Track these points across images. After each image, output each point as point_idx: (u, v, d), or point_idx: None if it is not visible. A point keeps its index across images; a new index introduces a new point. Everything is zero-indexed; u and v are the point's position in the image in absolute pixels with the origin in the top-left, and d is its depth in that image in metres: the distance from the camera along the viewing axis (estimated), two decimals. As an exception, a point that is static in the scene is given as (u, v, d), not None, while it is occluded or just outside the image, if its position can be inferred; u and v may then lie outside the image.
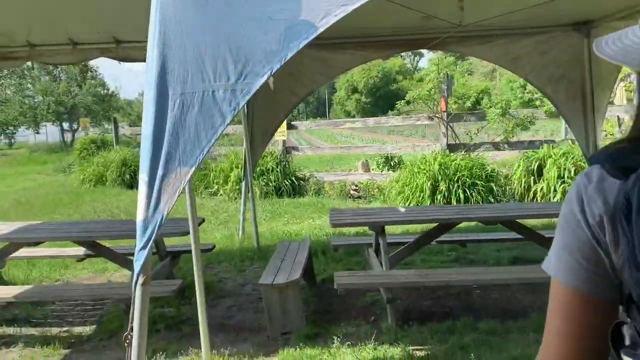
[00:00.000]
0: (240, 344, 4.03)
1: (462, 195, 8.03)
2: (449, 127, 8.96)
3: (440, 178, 8.16)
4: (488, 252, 6.14)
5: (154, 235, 2.72)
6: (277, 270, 4.40)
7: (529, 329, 3.87)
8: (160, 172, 2.73)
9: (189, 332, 4.24)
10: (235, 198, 9.92)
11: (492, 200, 8.17)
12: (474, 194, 8.05)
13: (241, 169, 9.95)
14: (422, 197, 8.17)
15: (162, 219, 2.71)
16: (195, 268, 3.52)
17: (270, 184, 9.87)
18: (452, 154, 8.73)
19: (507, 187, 8.37)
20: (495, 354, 3.45)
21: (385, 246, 4.41)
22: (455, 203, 8.07)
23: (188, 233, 4.41)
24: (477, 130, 8.84)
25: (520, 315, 4.21)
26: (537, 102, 8.91)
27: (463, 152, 8.71)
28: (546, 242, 4.91)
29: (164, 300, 4.72)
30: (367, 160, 14.71)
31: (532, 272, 4.03)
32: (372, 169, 14.98)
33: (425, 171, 8.32)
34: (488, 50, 6.82)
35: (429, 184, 8.13)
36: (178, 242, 5.52)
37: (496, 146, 8.97)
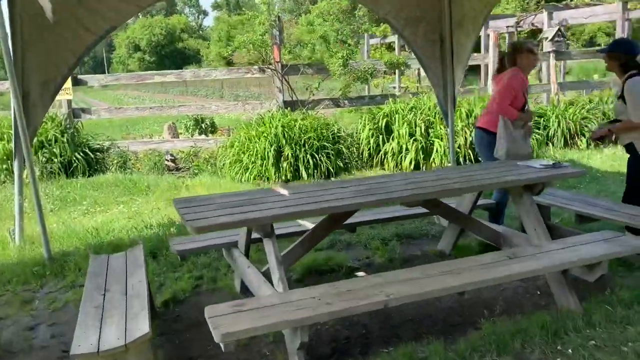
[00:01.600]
0: None
1: (311, 161, 6.78)
2: (284, 80, 7.57)
3: (285, 142, 6.78)
4: (363, 230, 5.01)
5: None
6: (100, 319, 2.56)
7: (489, 351, 2.78)
8: None
9: None
10: (4, 182, 7.20)
11: (341, 164, 7.10)
12: (322, 158, 6.87)
13: (9, 141, 7.21)
14: (265, 166, 6.71)
15: None
16: None
17: (55, 160, 7.34)
18: (288, 111, 7.39)
19: (355, 149, 7.38)
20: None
21: (277, 254, 2.88)
22: (303, 170, 6.79)
23: None
24: (319, 83, 7.62)
25: (463, 326, 3.13)
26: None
27: (304, 111, 7.43)
28: (450, 213, 3.94)
29: None
30: (174, 124, 12.62)
31: (482, 273, 2.93)
32: (180, 134, 12.98)
33: (265, 135, 6.84)
34: (344, -19, 5.53)
35: (272, 150, 6.69)
36: None
37: (336, 102, 7.90)
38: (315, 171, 6.82)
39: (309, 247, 3.37)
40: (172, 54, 76.03)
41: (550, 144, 7.63)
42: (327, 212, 2.98)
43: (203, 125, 13.44)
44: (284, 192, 3.36)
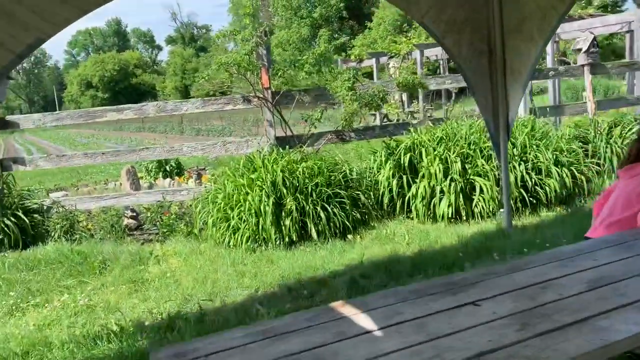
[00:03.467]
0: None
1: (322, 215, 5.15)
2: (275, 111, 5.97)
3: (286, 191, 5.14)
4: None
5: None
6: None
7: None
8: None
9: None
10: None
11: (358, 215, 5.51)
12: (335, 209, 5.26)
13: None
14: (263, 226, 5.03)
15: None
16: None
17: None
18: (285, 150, 5.78)
19: (372, 193, 5.80)
20: None
21: None
22: (312, 227, 5.15)
23: None
24: (321, 113, 6.03)
25: None
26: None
27: (303, 149, 5.84)
28: None
29: None
30: (133, 167, 10.79)
31: None
32: (141, 178, 11.17)
33: (260, 183, 5.18)
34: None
35: (270, 203, 5.02)
36: None
37: (340, 136, 6.35)
38: (327, 227, 5.19)
39: None
40: (126, 90, 74.11)
41: (605, 176, 6.26)
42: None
43: (167, 167, 11.69)
44: (366, 323, 1.74)
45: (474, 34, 4.60)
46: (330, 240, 5.18)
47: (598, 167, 6.19)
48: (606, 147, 6.42)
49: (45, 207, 6.22)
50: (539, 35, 4.31)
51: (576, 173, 5.71)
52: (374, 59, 16.65)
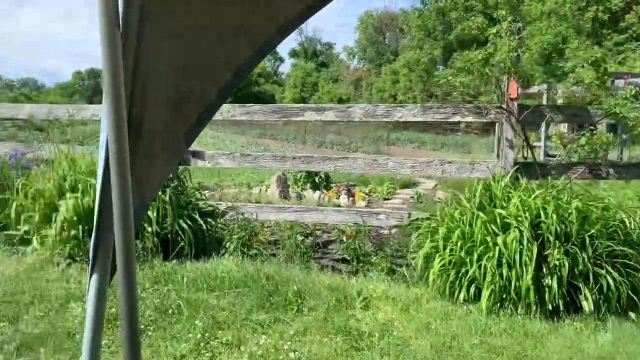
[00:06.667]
0: None
1: (607, 280, 3.69)
2: (520, 130, 4.63)
3: (553, 239, 3.75)
4: None
5: None
6: None
7: None
8: None
9: None
10: (73, 259, 4.54)
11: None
12: (615, 274, 3.77)
13: (87, 194, 4.61)
14: (515, 281, 3.67)
15: None
16: None
17: (150, 230, 4.62)
18: (535, 181, 4.40)
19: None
20: None
21: None
22: (588, 294, 3.69)
23: None
24: (587, 139, 4.59)
25: None
26: None
27: (560, 180, 4.43)
28: None
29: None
30: (284, 175, 9.98)
31: None
32: (292, 188, 10.35)
33: (515, 220, 3.83)
34: None
35: (532, 251, 3.66)
36: None
37: (594, 171, 4.84)
38: (600, 298, 3.72)
39: None
40: (246, 97, 76.60)
41: None
42: None
43: (316, 178, 10.79)
44: None
45: None
46: (607, 316, 3.70)
47: None
48: None
49: (218, 211, 5.33)
50: None
51: None
52: (544, 85, 14.71)
